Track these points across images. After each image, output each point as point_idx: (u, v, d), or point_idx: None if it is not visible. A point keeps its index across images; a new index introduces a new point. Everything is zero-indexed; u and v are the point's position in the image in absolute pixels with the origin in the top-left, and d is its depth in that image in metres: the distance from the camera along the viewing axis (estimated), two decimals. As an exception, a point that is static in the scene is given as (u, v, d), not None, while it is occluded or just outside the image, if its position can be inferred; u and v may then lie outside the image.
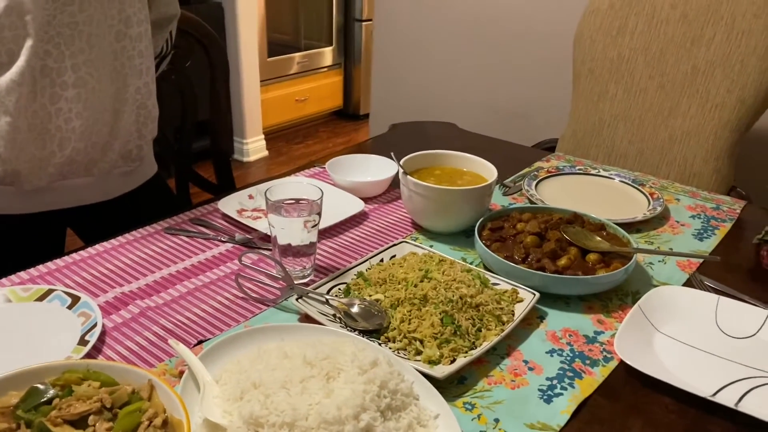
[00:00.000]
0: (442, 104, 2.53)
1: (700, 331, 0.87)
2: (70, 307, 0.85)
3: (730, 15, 1.41)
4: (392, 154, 1.12)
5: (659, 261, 1.04)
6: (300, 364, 0.68)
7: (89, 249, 1.00)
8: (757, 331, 0.87)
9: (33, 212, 1.10)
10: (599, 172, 1.33)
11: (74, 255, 0.98)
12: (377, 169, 1.25)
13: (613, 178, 1.30)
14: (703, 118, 1.44)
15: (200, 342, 0.80)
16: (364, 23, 3.79)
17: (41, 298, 0.87)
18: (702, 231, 1.15)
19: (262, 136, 3.50)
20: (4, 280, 0.91)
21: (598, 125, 1.58)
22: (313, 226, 0.91)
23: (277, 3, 3.53)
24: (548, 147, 1.72)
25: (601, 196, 1.24)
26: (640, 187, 1.26)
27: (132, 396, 0.65)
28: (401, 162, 1.10)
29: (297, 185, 0.95)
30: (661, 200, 1.20)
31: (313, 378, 0.67)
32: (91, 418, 0.62)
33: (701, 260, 1.04)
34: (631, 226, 1.13)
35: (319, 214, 0.92)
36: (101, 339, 0.81)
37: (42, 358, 0.74)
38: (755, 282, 1.01)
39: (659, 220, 1.18)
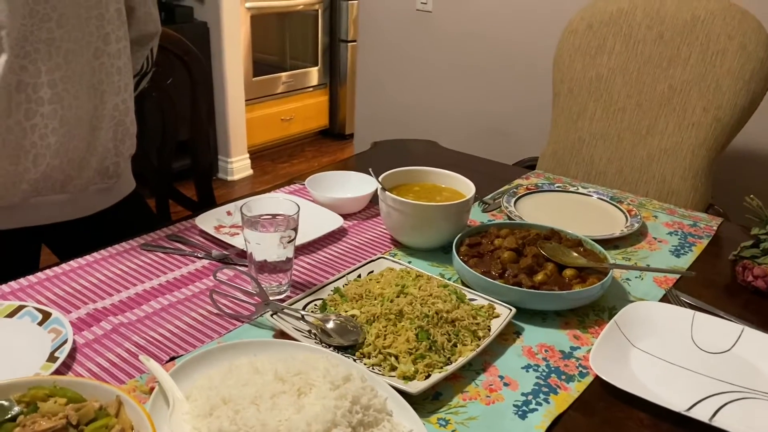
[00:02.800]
0: (425, 123, 2.55)
1: (675, 347, 0.87)
2: (40, 324, 0.84)
3: (705, 35, 1.44)
4: (370, 170, 1.12)
5: (636, 277, 1.05)
6: (271, 379, 0.67)
7: (63, 265, 0.99)
8: (732, 347, 0.87)
9: (6, 228, 1.09)
10: (578, 189, 1.34)
11: (47, 271, 0.97)
12: (357, 185, 1.25)
13: (591, 195, 1.31)
14: (680, 136, 1.46)
15: (173, 359, 0.79)
16: (349, 44, 3.82)
17: (11, 315, 0.85)
18: (679, 247, 1.15)
19: (247, 155, 3.49)
20: (-26, 296, 0.90)
21: (577, 143, 1.60)
22: (289, 242, 0.91)
23: (263, 23, 3.55)
24: (529, 165, 1.73)
25: (579, 212, 1.25)
26: (618, 204, 1.27)
27: (99, 412, 0.64)
28: (380, 178, 1.10)
29: (274, 200, 0.95)
30: (639, 217, 1.21)
31: (284, 394, 0.66)
32: (56, 435, 0.61)
33: (678, 276, 1.04)
34: (609, 243, 1.14)
35: (296, 229, 0.91)
36: (71, 355, 0.79)
37: (9, 374, 0.72)
38: (731, 298, 1.02)
39: (637, 236, 1.18)
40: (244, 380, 0.68)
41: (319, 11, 3.82)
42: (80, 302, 0.90)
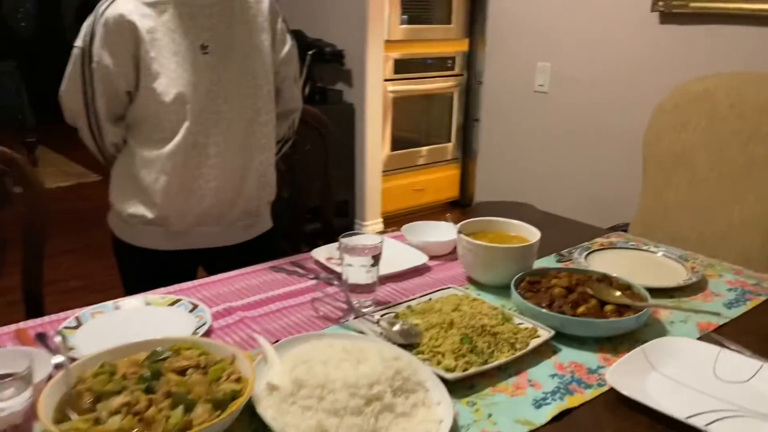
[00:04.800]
0: (536, 190, 2.73)
1: (694, 374, 0.99)
2: (191, 311, 1.15)
3: (786, 113, 1.53)
4: (448, 215, 1.35)
5: (681, 321, 1.17)
6: (339, 350, 0.92)
7: (212, 277, 1.31)
8: (750, 378, 0.98)
9: (175, 249, 1.45)
10: (649, 248, 1.47)
11: (200, 280, 1.30)
12: (445, 234, 1.48)
13: (658, 253, 1.43)
14: (759, 207, 1.54)
15: (277, 341, 1.06)
16: (480, 123, 4.11)
17: (172, 304, 1.18)
18: (734, 301, 1.25)
19: (380, 220, 3.85)
20: (148, 293, 1.24)
21: (663, 212, 1.72)
22: (372, 266, 1.16)
23: (403, 104, 3.96)
24: (622, 230, 1.85)
25: (643, 266, 1.38)
26: (683, 262, 1.38)
27: (219, 361, 0.91)
28: (458, 225, 1.33)
29: (369, 237, 1.21)
30: (699, 273, 1.32)
31: (346, 361, 0.90)
32: (189, 370, 0.89)
33: (720, 323, 1.15)
34: (665, 293, 1.26)
35: (377, 257, 1.16)
36: (206, 334, 1.09)
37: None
38: (771, 345, 1.10)
39: (695, 290, 1.29)
40: (320, 351, 0.92)
41: (455, 94, 4.17)
42: (220, 301, 1.21)
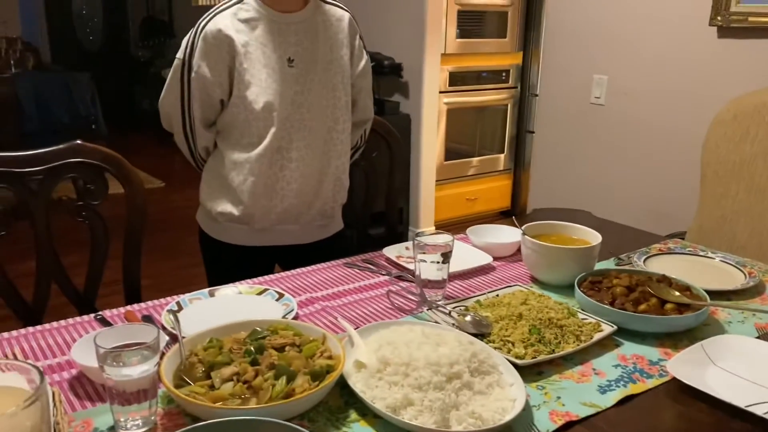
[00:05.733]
0: (592, 201, 2.78)
1: (751, 368, 1.04)
2: (277, 300, 1.27)
3: None
4: (514, 218, 1.44)
5: (739, 321, 1.22)
6: (419, 334, 1.01)
7: (292, 270, 1.43)
8: (807, 374, 1.03)
9: (257, 245, 1.57)
10: (707, 253, 1.52)
11: (281, 273, 1.42)
12: (508, 236, 1.56)
13: (715, 258, 1.48)
14: (819, 215, 1.57)
15: (357, 328, 1.16)
16: (534, 134, 4.17)
17: (260, 293, 1.29)
18: (792, 304, 1.30)
19: (434, 228, 3.93)
20: (237, 283, 1.36)
21: (721, 220, 1.76)
22: (443, 263, 1.25)
23: (458, 116, 4.05)
24: (679, 238, 1.90)
25: (701, 271, 1.43)
26: (740, 267, 1.43)
27: (311, 341, 1.02)
28: (523, 227, 1.41)
29: (439, 236, 1.30)
30: (757, 277, 1.37)
31: (427, 344, 0.99)
32: (287, 347, 1.00)
33: (778, 323, 1.20)
34: (723, 295, 1.31)
35: (448, 254, 1.26)
36: (294, 320, 1.20)
37: (260, 319, 1.14)
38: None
39: (753, 294, 1.34)
40: (402, 334, 1.02)
41: (509, 106, 4.24)
42: (303, 292, 1.32)
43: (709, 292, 1.24)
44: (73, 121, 4.43)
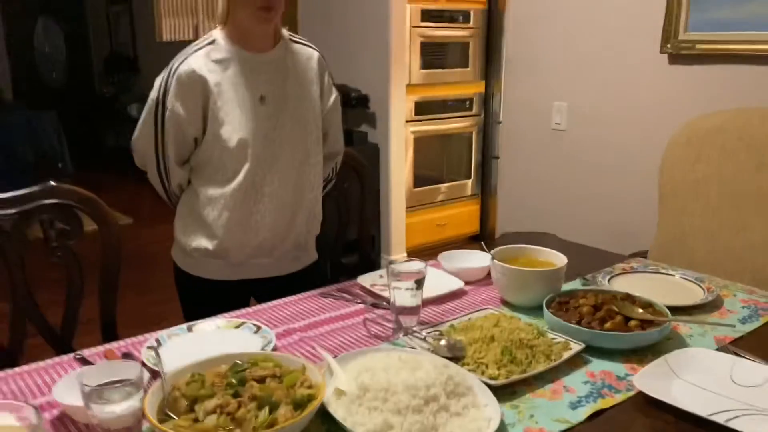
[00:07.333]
0: (556, 224, 2.86)
1: (713, 380, 1.10)
2: (255, 332, 1.29)
3: (790, 144, 1.66)
4: (483, 243, 1.49)
5: (699, 335, 1.28)
6: (396, 360, 1.05)
7: (268, 303, 1.45)
8: (765, 382, 1.08)
9: (233, 279, 1.59)
10: (667, 271, 1.59)
11: (257, 306, 1.44)
12: (478, 261, 1.61)
13: (675, 276, 1.55)
14: (770, 231, 1.66)
15: (335, 356, 1.19)
16: (499, 160, 4.27)
17: (238, 327, 1.31)
18: (747, 317, 1.36)
19: (405, 255, 3.98)
20: (215, 317, 1.37)
21: (680, 237, 1.84)
22: (416, 289, 1.29)
23: (424, 144, 4.13)
24: (642, 256, 1.97)
25: (662, 288, 1.49)
26: (699, 283, 1.50)
27: (291, 371, 1.04)
28: (492, 252, 1.46)
29: (413, 263, 1.34)
30: (715, 293, 1.44)
31: (403, 369, 1.02)
32: (268, 379, 1.02)
33: (735, 336, 1.26)
34: (683, 311, 1.37)
35: (421, 281, 1.29)
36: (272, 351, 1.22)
37: (240, 352, 1.16)
38: (783, 355, 1.21)
39: (711, 308, 1.41)
40: (379, 361, 1.05)
41: (474, 133, 4.35)
42: (279, 324, 1.34)
43: (670, 308, 1.30)
44: (38, 159, 4.39)
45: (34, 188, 1.38)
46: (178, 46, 1.54)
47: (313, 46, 1.64)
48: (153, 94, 1.48)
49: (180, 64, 1.46)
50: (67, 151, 4.49)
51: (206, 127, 1.48)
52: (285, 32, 1.59)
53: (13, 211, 1.36)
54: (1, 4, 7.69)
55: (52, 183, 1.40)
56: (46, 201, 1.39)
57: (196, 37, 1.60)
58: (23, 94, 7.62)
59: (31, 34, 8.14)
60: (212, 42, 1.50)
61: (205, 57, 1.47)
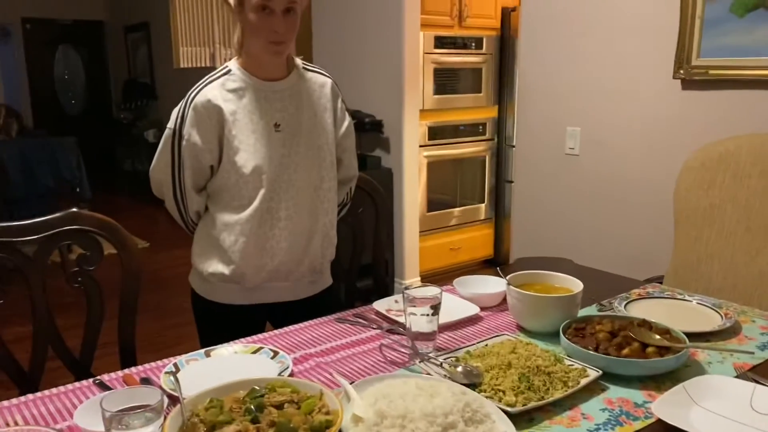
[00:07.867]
0: (570, 249, 2.85)
1: (733, 408, 1.09)
2: (272, 358, 1.29)
3: (807, 170, 1.66)
4: (498, 269, 1.49)
5: (718, 362, 1.27)
6: (414, 387, 1.05)
7: (286, 328, 1.46)
8: (784, 411, 1.07)
9: (249, 303, 1.61)
10: (684, 296, 1.58)
11: (274, 332, 1.45)
12: (493, 287, 1.61)
13: (692, 301, 1.54)
14: (787, 256, 1.65)
15: (352, 382, 1.19)
16: (513, 184, 4.28)
17: (255, 352, 1.32)
18: (767, 343, 1.35)
19: (419, 279, 3.98)
20: (232, 342, 1.38)
21: (696, 263, 1.83)
22: (432, 315, 1.30)
23: (438, 168, 4.16)
24: (657, 282, 1.96)
25: (680, 314, 1.49)
26: (717, 309, 1.49)
27: (309, 397, 1.05)
28: (507, 278, 1.46)
29: (429, 289, 1.35)
30: (733, 319, 1.43)
31: (421, 395, 1.03)
32: (285, 405, 1.03)
33: (755, 363, 1.25)
34: (701, 337, 1.37)
35: (437, 306, 1.30)
36: (289, 377, 1.22)
37: (257, 378, 1.17)
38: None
39: (730, 334, 1.40)
40: (396, 387, 1.06)
41: (487, 157, 4.37)
42: (296, 349, 1.35)
43: (688, 334, 1.29)
44: (57, 185, 4.47)
45: (57, 215, 1.41)
46: (195, 73, 1.58)
47: (326, 73, 1.67)
48: (170, 125, 1.52)
49: (196, 94, 1.49)
50: (85, 176, 4.56)
51: (222, 155, 1.51)
52: (298, 61, 1.63)
53: (36, 237, 1.39)
54: (23, 33, 7.88)
55: (74, 210, 1.42)
56: (68, 227, 1.41)
57: (213, 64, 1.64)
58: (42, 120, 7.78)
59: (51, 62, 8.33)
60: (227, 72, 1.53)
61: (221, 87, 1.50)
